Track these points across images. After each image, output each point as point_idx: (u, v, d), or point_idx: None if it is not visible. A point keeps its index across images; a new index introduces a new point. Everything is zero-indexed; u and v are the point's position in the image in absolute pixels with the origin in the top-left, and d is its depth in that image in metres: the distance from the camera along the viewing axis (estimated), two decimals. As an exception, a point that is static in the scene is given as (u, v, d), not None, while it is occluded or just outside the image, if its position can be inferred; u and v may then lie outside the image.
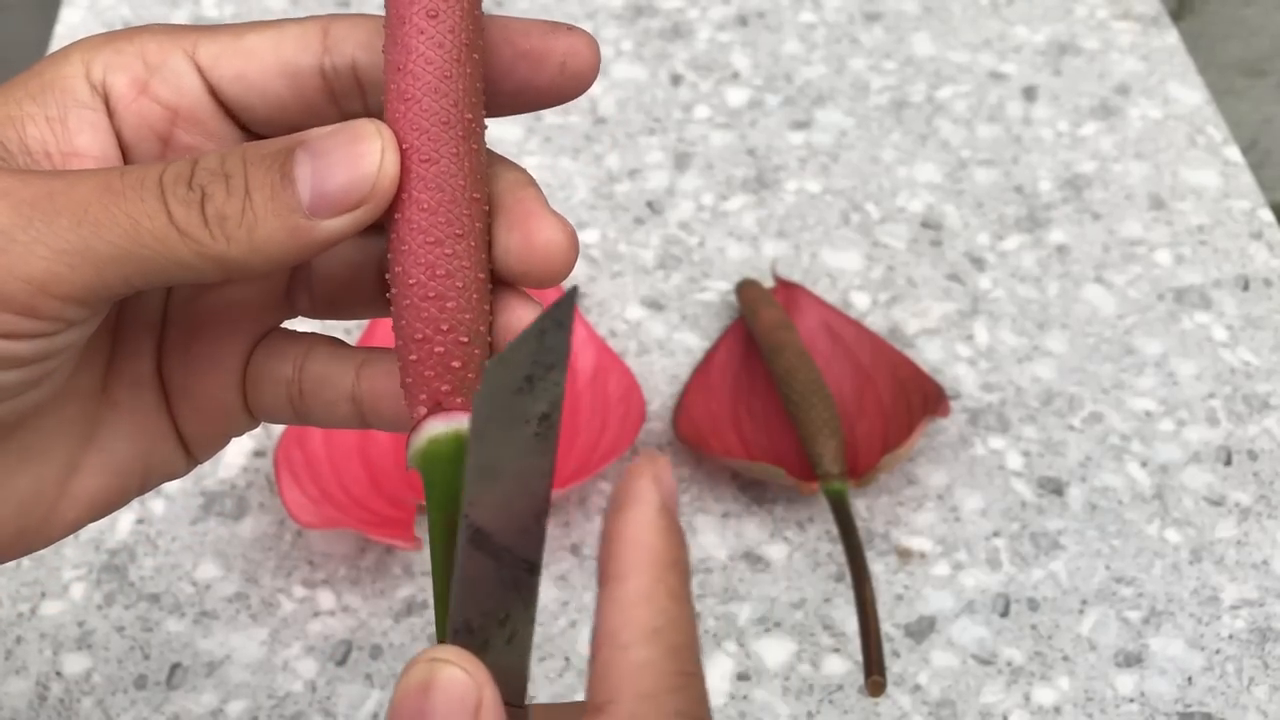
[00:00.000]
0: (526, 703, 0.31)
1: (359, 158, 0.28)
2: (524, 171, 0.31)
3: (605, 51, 0.74)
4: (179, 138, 0.31)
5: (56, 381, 0.30)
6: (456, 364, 0.30)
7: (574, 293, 0.28)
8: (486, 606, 0.29)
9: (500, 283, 0.31)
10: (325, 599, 0.53)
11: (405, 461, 0.54)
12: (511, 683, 0.30)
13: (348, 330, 0.60)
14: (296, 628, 0.52)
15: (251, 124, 0.32)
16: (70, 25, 0.74)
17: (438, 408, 0.30)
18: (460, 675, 0.27)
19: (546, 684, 0.51)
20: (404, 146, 0.29)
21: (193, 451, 0.34)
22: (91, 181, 0.27)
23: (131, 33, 0.31)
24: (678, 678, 0.27)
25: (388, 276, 0.30)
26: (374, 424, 0.33)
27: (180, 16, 0.75)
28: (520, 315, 0.31)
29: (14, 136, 0.30)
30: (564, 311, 0.28)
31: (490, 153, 0.31)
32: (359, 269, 0.33)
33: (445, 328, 0.30)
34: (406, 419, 0.31)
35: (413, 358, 0.30)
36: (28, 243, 0.26)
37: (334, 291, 0.33)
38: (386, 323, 0.33)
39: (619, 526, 0.28)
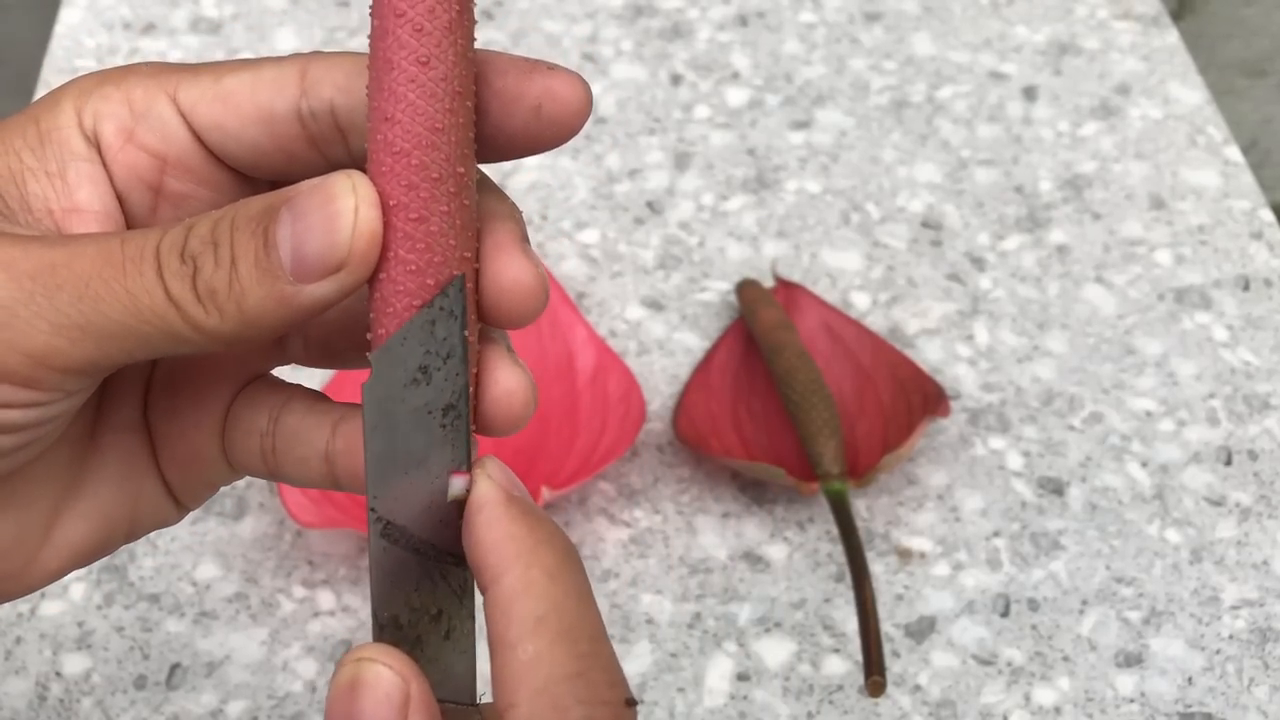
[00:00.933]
0: (478, 701, 0.30)
1: (333, 219, 0.26)
2: (508, 203, 0.30)
3: (605, 51, 0.74)
4: (169, 185, 0.30)
5: (48, 442, 0.29)
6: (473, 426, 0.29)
7: (461, 280, 0.28)
8: (414, 602, 0.29)
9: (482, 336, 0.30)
10: (325, 599, 0.53)
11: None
12: (456, 680, 0.29)
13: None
14: (296, 628, 0.52)
15: (239, 168, 0.31)
16: (70, 25, 0.74)
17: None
18: (385, 672, 0.27)
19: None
20: (390, 202, 0.27)
21: (180, 499, 0.33)
22: (92, 253, 0.27)
23: (120, 74, 0.30)
24: (573, 663, 0.26)
25: (369, 336, 0.28)
26: (345, 485, 0.31)
27: (180, 16, 0.75)
28: (501, 379, 0.29)
29: (15, 193, 0.29)
30: (453, 300, 0.28)
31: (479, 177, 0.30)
32: (356, 317, 0.31)
33: None
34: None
35: None
36: (29, 317, 0.26)
37: (329, 338, 0.32)
38: (356, 373, 0.31)
39: (474, 535, 0.28)
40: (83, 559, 0.31)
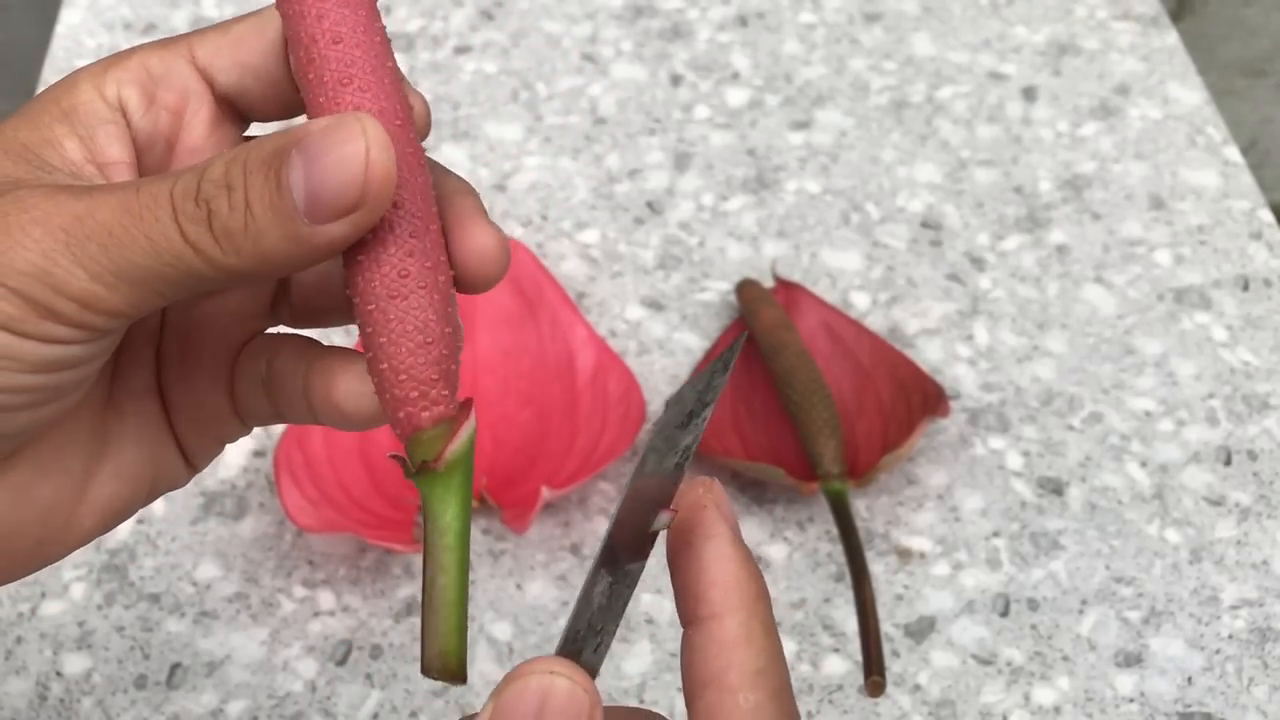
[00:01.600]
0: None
1: (345, 161, 0.27)
2: (463, 181, 0.32)
3: (605, 52, 0.74)
4: (184, 138, 0.32)
5: (82, 392, 0.31)
6: (453, 365, 0.30)
7: (743, 337, 0.30)
8: (595, 620, 0.30)
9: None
10: (325, 599, 0.53)
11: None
12: None
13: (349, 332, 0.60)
14: (296, 628, 0.52)
15: (258, 109, 0.32)
16: (70, 25, 0.74)
17: (459, 403, 0.30)
18: (577, 691, 0.28)
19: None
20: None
21: (191, 459, 0.34)
22: (112, 203, 0.28)
23: (129, 52, 0.32)
24: (785, 718, 0.28)
25: (349, 291, 0.30)
26: (324, 420, 0.33)
27: (180, 17, 0.75)
28: (477, 235, 0.31)
29: (55, 156, 0.30)
30: (732, 355, 0.30)
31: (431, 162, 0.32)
32: (333, 278, 0.33)
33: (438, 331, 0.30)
34: (363, 417, 0.32)
35: (419, 360, 0.30)
36: (68, 266, 0.27)
37: (308, 299, 0.34)
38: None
39: (702, 563, 0.29)
40: (113, 518, 0.33)
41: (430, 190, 0.30)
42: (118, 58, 0.32)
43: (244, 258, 0.28)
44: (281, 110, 0.33)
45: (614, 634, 0.31)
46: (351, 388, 0.31)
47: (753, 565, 0.30)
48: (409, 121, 0.30)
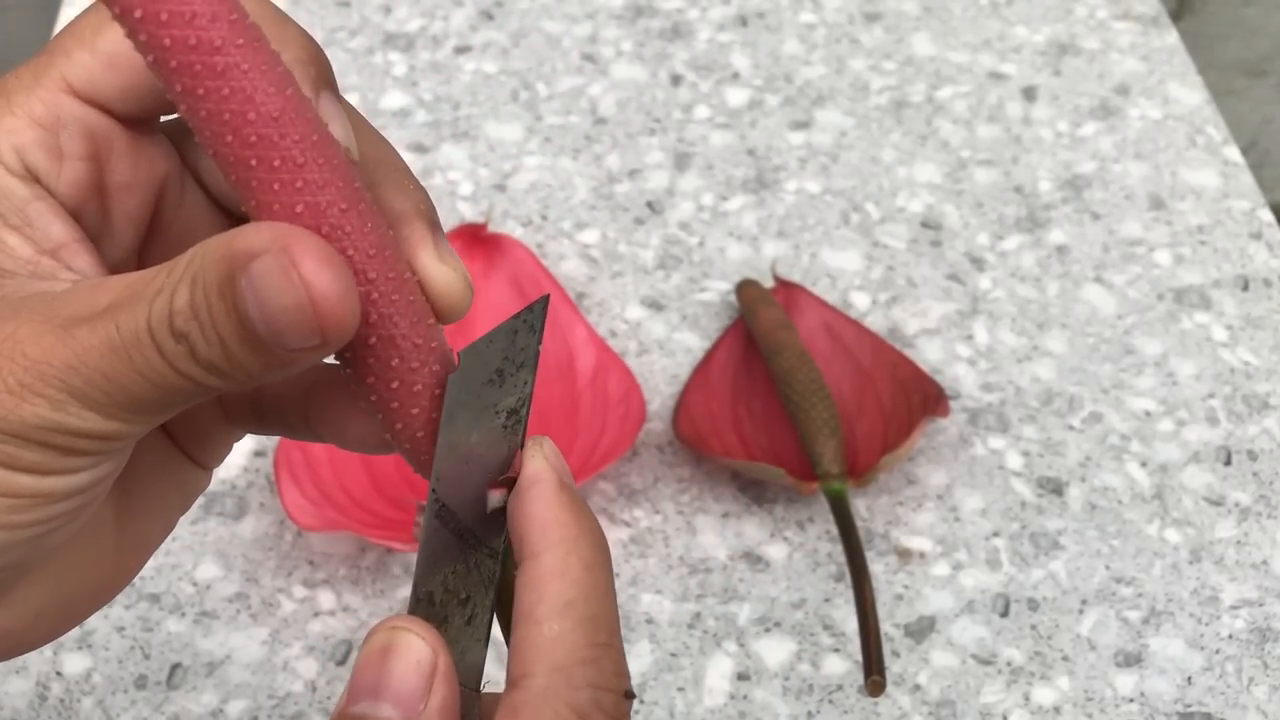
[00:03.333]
0: (482, 689, 0.31)
1: (291, 311, 0.25)
2: (412, 196, 0.30)
3: (605, 52, 0.74)
4: (111, 180, 0.30)
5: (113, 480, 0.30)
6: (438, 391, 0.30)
7: (546, 299, 0.30)
8: (449, 584, 0.30)
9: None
10: (325, 599, 0.53)
11: (405, 463, 0.54)
12: (467, 666, 0.31)
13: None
14: (297, 628, 0.52)
15: (164, 112, 0.30)
16: (70, 25, 0.74)
17: None
18: (418, 641, 0.28)
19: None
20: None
21: (206, 465, 0.34)
22: (99, 347, 0.26)
23: (3, 98, 0.29)
24: (590, 649, 0.28)
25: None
26: (326, 438, 0.32)
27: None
28: (431, 276, 0.29)
29: (4, 258, 0.29)
30: (536, 315, 0.30)
31: (388, 169, 0.30)
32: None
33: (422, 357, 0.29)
34: (361, 437, 0.31)
35: (411, 409, 0.29)
36: (80, 413, 0.27)
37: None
38: None
39: (524, 507, 0.29)
40: (156, 544, 0.33)
41: (386, 239, 0.28)
42: None
43: (237, 380, 0.27)
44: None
45: (490, 609, 0.31)
46: (363, 430, 0.31)
47: (579, 509, 0.29)
48: (350, 181, 0.27)
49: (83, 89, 0.29)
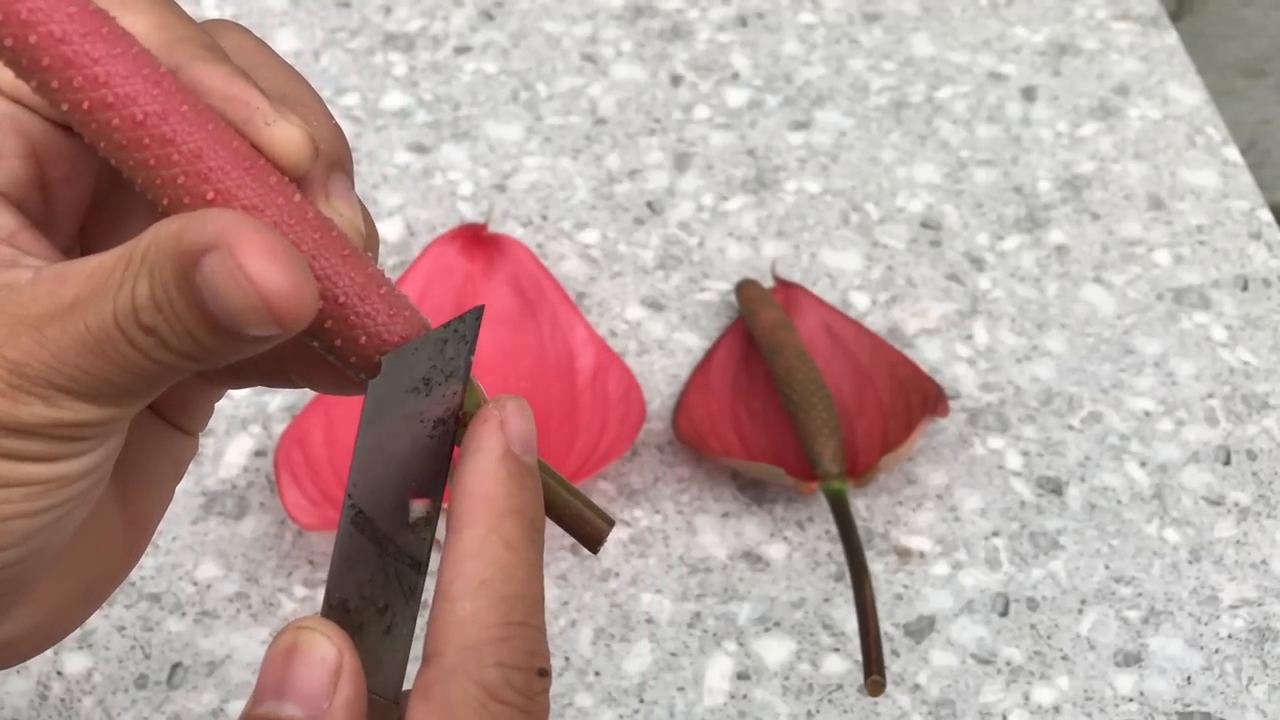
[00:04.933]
0: (399, 699, 0.31)
1: (244, 309, 0.25)
2: (229, 86, 0.28)
3: (605, 52, 0.74)
4: (49, 174, 0.30)
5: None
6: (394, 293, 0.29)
7: (479, 310, 0.29)
8: (365, 591, 0.30)
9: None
10: (326, 599, 0.53)
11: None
12: (385, 674, 0.30)
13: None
14: (297, 627, 0.52)
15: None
16: (71, 26, 0.74)
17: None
18: (323, 640, 0.28)
19: (547, 683, 0.51)
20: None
21: (191, 431, 0.34)
22: (73, 346, 0.26)
23: None
24: (503, 629, 0.28)
25: None
26: (303, 383, 0.32)
27: (181, 17, 0.75)
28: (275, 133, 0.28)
29: None
30: (468, 325, 0.29)
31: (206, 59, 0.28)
32: None
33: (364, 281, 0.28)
34: (336, 383, 0.31)
35: (365, 308, 0.28)
36: (72, 405, 0.27)
37: None
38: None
39: (459, 476, 0.29)
40: (158, 519, 0.33)
41: (262, 169, 0.27)
42: None
43: (214, 362, 0.27)
44: None
45: (412, 619, 0.30)
46: (336, 375, 0.31)
47: (517, 484, 0.29)
48: (245, 154, 0.27)
49: (9, 89, 0.29)
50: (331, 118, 0.30)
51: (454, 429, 0.30)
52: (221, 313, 0.25)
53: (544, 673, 0.29)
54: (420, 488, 0.30)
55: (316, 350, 0.29)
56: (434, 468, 0.30)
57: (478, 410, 0.30)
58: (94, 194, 0.31)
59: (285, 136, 0.28)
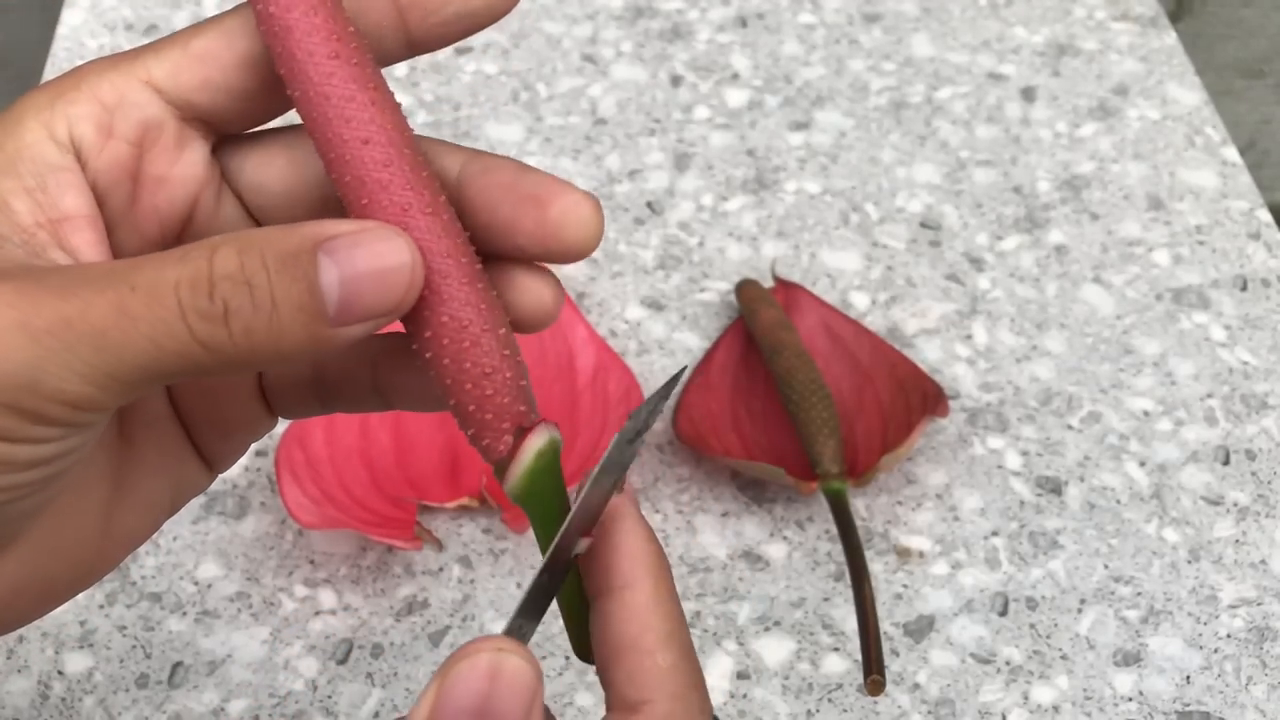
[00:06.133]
0: None
1: (388, 274, 0.27)
2: (511, 161, 0.31)
3: (605, 52, 0.74)
4: (147, 170, 0.31)
5: (87, 452, 0.30)
6: (522, 382, 0.31)
7: (680, 374, 0.32)
8: (531, 614, 0.31)
9: (505, 261, 0.31)
10: (326, 598, 0.53)
11: (405, 462, 0.54)
12: None
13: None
14: (298, 627, 0.52)
15: (228, 126, 0.31)
16: (72, 26, 0.75)
17: (522, 428, 0.31)
18: (526, 667, 0.28)
19: (546, 683, 0.51)
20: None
21: (214, 467, 0.34)
22: (104, 305, 0.26)
23: (76, 77, 0.30)
24: (696, 675, 0.30)
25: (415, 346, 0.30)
26: (398, 405, 0.33)
27: (181, 17, 0.75)
28: (537, 291, 0.31)
29: (2, 220, 0.29)
30: (671, 387, 0.31)
31: (471, 151, 0.31)
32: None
33: (499, 362, 0.30)
34: (429, 397, 0.32)
35: (485, 391, 0.30)
36: (58, 372, 0.26)
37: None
38: None
39: (614, 539, 0.31)
40: (137, 543, 0.33)
41: (464, 242, 0.30)
42: (64, 86, 0.30)
43: (257, 355, 0.27)
44: (253, 122, 0.31)
45: (534, 625, 0.32)
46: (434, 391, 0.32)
47: (658, 543, 0.31)
48: (436, 196, 0.30)
49: (160, 80, 0.30)
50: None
51: (624, 477, 0.32)
52: (350, 284, 0.27)
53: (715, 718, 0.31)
54: (589, 526, 0.31)
55: (408, 367, 0.32)
56: (605, 505, 0.32)
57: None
58: (187, 223, 0.32)
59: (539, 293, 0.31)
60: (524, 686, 0.28)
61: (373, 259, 0.27)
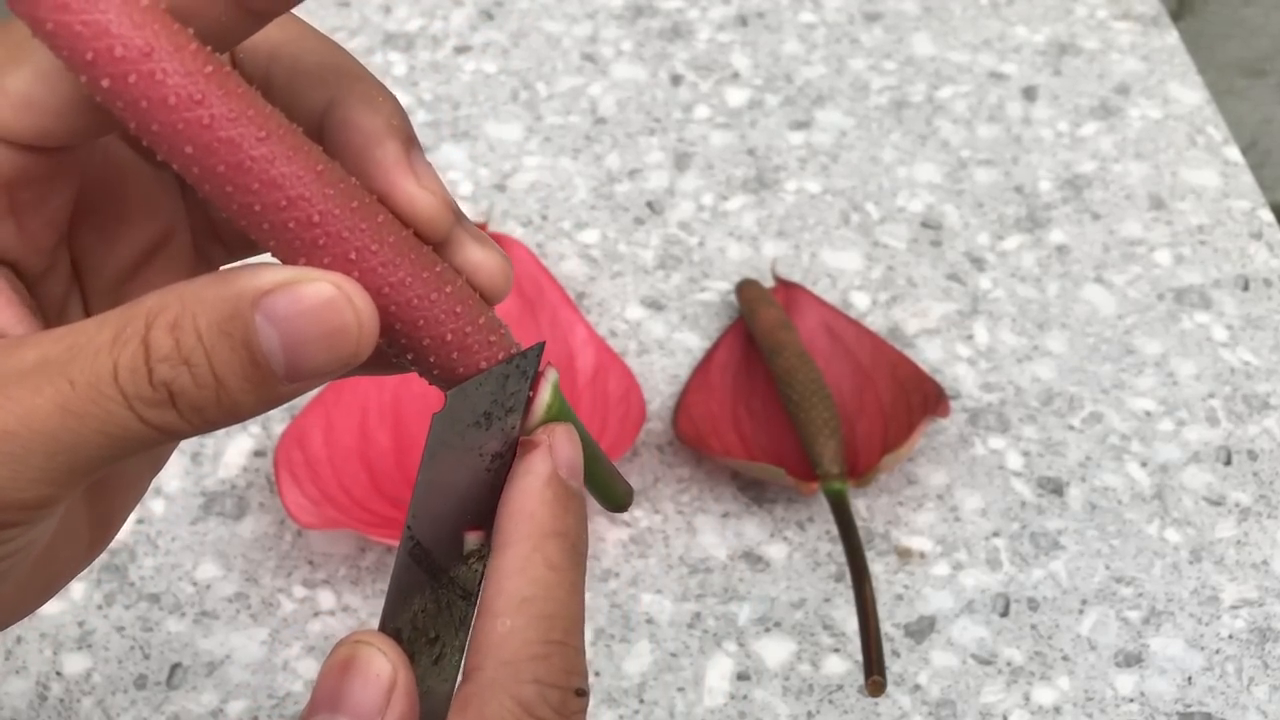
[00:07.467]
0: None
1: (335, 334, 0.26)
2: (387, 109, 0.29)
3: (605, 52, 0.74)
4: (19, 200, 0.28)
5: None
6: (480, 319, 0.29)
7: (540, 346, 0.30)
8: (418, 622, 0.30)
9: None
10: (325, 599, 0.53)
11: (404, 463, 0.54)
12: (432, 703, 0.30)
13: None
14: (296, 628, 0.52)
15: (80, 139, 0.28)
16: None
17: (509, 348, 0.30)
18: (379, 656, 0.28)
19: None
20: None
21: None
22: (46, 407, 0.25)
23: None
24: (541, 646, 0.28)
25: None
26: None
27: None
28: (473, 255, 0.29)
29: None
30: (530, 361, 0.30)
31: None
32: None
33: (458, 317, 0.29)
34: None
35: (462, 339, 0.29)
36: (9, 480, 0.25)
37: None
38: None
39: (506, 497, 0.29)
40: (131, 508, 0.33)
41: (415, 246, 0.28)
42: None
43: (214, 425, 0.26)
44: (110, 129, 0.28)
45: (461, 650, 0.31)
46: None
47: (561, 506, 0.29)
48: (370, 210, 0.27)
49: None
50: (388, 90, 0.30)
51: (510, 463, 0.30)
52: (289, 346, 0.25)
53: (581, 692, 0.29)
54: (475, 520, 0.30)
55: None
56: (489, 501, 0.30)
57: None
58: (76, 209, 0.30)
59: (423, 201, 0.28)
60: (376, 674, 0.28)
61: (315, 323, 0.25)
